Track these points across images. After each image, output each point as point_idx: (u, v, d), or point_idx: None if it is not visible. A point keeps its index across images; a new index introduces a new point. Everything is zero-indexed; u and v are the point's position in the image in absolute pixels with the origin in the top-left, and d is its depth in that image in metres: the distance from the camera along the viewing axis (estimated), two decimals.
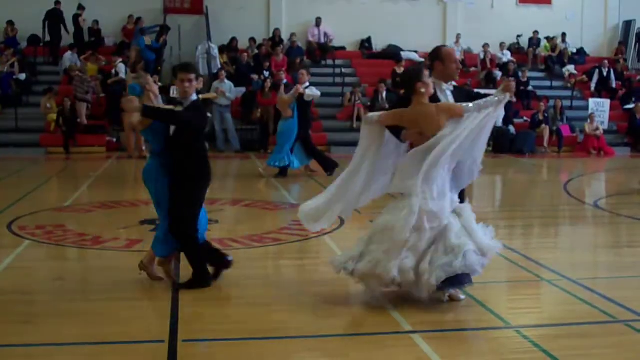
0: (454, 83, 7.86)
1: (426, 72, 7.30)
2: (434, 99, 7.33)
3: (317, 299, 7.54)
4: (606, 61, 29.40)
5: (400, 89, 6.52)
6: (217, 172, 19.60)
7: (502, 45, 29.64)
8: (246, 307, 7.18)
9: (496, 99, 7.37)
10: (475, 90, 9.23)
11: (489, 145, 24.52)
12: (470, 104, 7.21)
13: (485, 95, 7.54)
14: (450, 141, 7.06)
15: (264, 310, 7.09)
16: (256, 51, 27.30)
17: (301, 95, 16.70)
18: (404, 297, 7.35)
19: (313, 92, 17.06)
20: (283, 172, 16.97)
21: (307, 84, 17.07)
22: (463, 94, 7.80)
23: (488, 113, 7.32)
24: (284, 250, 10.01)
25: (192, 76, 7.64)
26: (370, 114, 7.67)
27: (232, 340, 6.26)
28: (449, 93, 7.65)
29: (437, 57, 7.79)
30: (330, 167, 17.05)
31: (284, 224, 11.59)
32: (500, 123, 25.54)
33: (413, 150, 7.18)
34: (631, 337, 6.41)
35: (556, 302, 7.66)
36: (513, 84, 7.57)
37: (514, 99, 6.41)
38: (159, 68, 25.88)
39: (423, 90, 7.14)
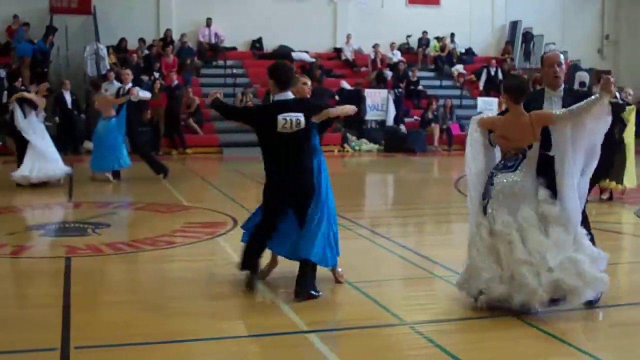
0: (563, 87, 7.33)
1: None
2: (539, 107, 7.12)
3: (213, 301, 7.46)
4: (494, 61, 30.02)
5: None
6: None
7: (392, 45, 29.93)
8: (141, 311, 7.04)
9: (592, 99, 6.80)
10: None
11: (380, 144, 24.80)
12: (564, 110, 6.87)
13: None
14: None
15: (159, 314, 6.97)
16: (146, 52, 26.92)
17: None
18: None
19: (144, 94, 17.04)
20: (116, 175, 16.76)
21: (130, 84, 17.01)
22: (572, 97, 7.14)
23: (592, 113, 6.81)
24: (177, 253, 9.87)
25: None
26: (479, 116, 7.69)
27: (127, 346, 6.12)
28: (556, 100, 7.20)
29: (541, 63, 7.53)
30: (161, 170, 16.84)
31: (177, 226, 11.43)
32: (391, 122, 25.84)
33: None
34: (522, 330, 6.51)
35: (449, 297, 7.72)
36: (610, 80, 6.87)
37: (615, 98, 6.16)
38: (46, 70, 25.26)
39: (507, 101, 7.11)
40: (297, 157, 7.47)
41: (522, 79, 7.55)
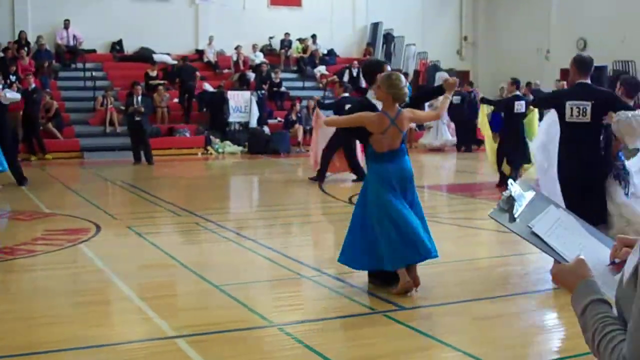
0: None
1: None
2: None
3: (78, 309, 7.29)
4: (356, 62, 30.35)
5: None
6: None
7: (254, 46, 29.94)
8: (4, 322, 6.80)
9: None
10: None
11: (244, 146, 24.78)
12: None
13: None
14: None
15: (23, 324, 6.75)
16: (1, 54, 26.10)
17: None
18: (168, 303, 7.25)
19: (13, 96, 16.65)
20: None
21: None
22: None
23: None
24: (39, 261, 9.59)
25: None
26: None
27: None
28: None
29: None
30: (23, 181, 16.42)
31: (37, 233, 11.12)
32: (255, 124, 25.84)
33: None
34: (390, 327, 6.60)
35: (317, 297, 7.78)
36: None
37: None
38: None
39: None
40: None
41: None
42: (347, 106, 15.77)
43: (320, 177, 16.85)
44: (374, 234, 7.51)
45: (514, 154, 15.58)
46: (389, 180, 7.56)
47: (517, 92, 16.33)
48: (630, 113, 7.85)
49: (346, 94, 17.00)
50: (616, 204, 8.14)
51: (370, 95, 7.91)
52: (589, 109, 8.06)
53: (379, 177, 7.62)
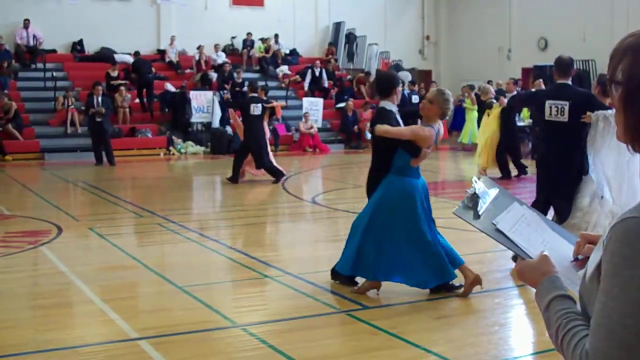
0: None
1: None
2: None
3: (38, 312, 7.24)
4: (318, 61, 30.38)
5: None
6: None
7: (216, 46, 29.82)
8: None
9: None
10: None
11: (206, 147, 24.71)
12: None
13: None
14: None
15: None
16: None
17: None
18: (131, 305, 7.21)
19: None
20: None
21: None
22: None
23: None
24: None
25: None
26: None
27: None
28: None
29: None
30: None
31: None
32: (217, 124, 25.77)
33: None
34: (353, 326, 6.62)
35: (280, 297, 7.78)
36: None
37: None
38: None
39: None
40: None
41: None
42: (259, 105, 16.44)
43: (233, 178, 17.08)
44: (409, 248, 7.45)
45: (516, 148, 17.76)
46: (419, 194, 7.56)
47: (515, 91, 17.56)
48: (608, 112, 8.10)
49: (254, 94, 17.03)
50: (581, 206, 8.40)
51: (385, 104, 7.83)
52: (566, 108, 8.35)
53: (406, 191, 7.50)
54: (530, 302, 6.97)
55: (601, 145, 8.35)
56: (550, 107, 8.47)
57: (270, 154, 17.25)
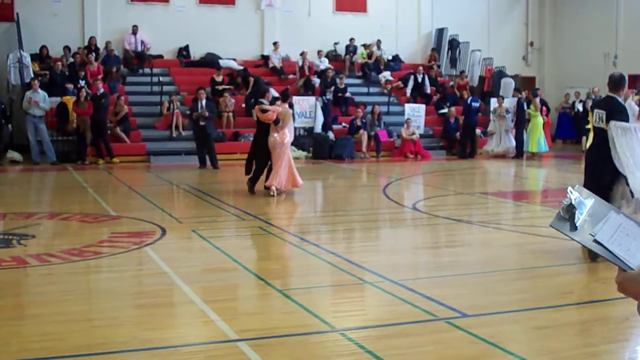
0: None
1: None
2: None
3: (141, 311, 7.39)
4: (420, 67, 30.26)
5: None
6: (33, 184, 19.00)
7: (319, 52, 29.98)
8: (67, 323, 6.92)
9: None
10: None
11: (308, 151, 24.83)
12: None
13: None
14: None
15: (86, 325, 6.86)
16: (71, 60, 26.54)
17: None
18: (231, 307, 7.31)
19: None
20: None
21: None
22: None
23: None
24: (105, 263, 9.75)
25: None
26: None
27: (54, 359, 6.01)
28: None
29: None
30: None
31: (104, 236, 11.29)
32: (319, 129, 25.88)
33: None
34: (452, 334, 6.57)
35: (379, 303, 7.77)
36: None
37: None
38: None
39: None
40: None
41: None
42: None
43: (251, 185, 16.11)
44: None
45: None
46: None
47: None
48: (625, 125, 9.53)
49: (262, 100, 16.40)
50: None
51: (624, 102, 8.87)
52: (604, 116, 9.66)
53: None
54: (634, 315, 6.81)
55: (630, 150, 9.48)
56: (595, 115, 9.82)
57: (280, 172, 15.67)
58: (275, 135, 15.46)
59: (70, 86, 24.64)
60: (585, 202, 2.57)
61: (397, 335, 6.62)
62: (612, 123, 9.50)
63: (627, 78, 10.10)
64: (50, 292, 7.92)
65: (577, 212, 2.53)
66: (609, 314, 7.50)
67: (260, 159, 15.87)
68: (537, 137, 25.54)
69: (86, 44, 27.49)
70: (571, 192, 2.58)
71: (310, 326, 6.81)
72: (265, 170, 16.00)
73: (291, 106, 16.22)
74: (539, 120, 25.52)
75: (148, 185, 18.95)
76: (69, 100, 23.39)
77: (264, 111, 15.58)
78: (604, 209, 2.57)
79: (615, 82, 9.79)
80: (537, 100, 25.62)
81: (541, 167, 23.98)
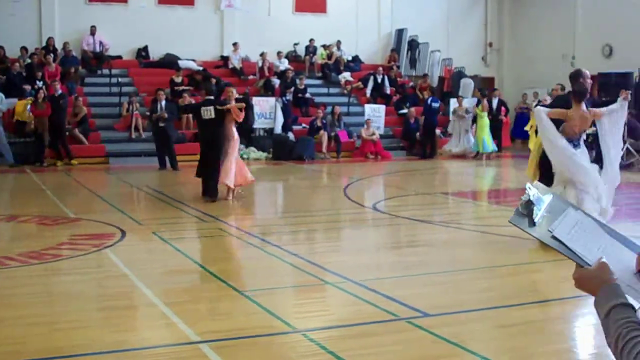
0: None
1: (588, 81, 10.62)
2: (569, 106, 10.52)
3: (102, 314, 7.33)
4: (380, 68, 30.37)
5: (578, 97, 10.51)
6: None
7: (279, 53, 29.98)
8: (27, 326, 6.84)
9: (618, 104, 10.67)
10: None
11: (269, 152, 24.82)
12: (604, 109, 10.64)
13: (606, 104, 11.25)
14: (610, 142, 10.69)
15: (47, 329, 6.78)
16: (28, 60, 26.28)
17: None
18: (193, 309, 7.29)
19: None
20: None
21: None
22: (589, 102, 11.05)
23: (618, 114, 10.71)
24: (65, 266, 9.65)
25: None
26: (540, 108, 11.04)
27: None
28: (585, 102, 10.63)
29: (579, 75, 10.64)
30: None
31: (63, 239, 11.18)
32: (279, 130, 25.86)
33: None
34: (414, 334, 6.58)
35: (341, 304, 7.78)
36: (628, 95, 10.94)
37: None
38: None
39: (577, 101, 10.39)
40: None
41: (585, 86, 10.52)
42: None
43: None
44: None
45: None
46: None
47: None
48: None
49: (210, 97, 15.69)
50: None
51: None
52: None
53: None
54: (594, 312, 6.88)
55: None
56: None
57: (232, 168, 15.24)
58: (234, 132, 15.31)
59: (27, 87, 24.41)
60: (544, 198, 2.58)
61: (359, 335, 6.62)
62: (535, 108, 11.24)
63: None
64: (9, 295, 7.83)
65: (535, 208, 2.54)
66: (570, 312, 7.57)
67: (212, 158, 15.30)
68: (483, 137, 25.72)
69: (44, 44, 27.25)
70: (530, 189, 2.59)
71: (273, 327, 6.80)
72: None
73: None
74: (485, 120, 25.64)
75: (107, 187, 18.82)
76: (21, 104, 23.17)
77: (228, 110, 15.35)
78: (562, 205, 2.58)
79: (573, 77, 10.72)
80: (485, 100, 25.81)
81: (500, 166, 24.18)
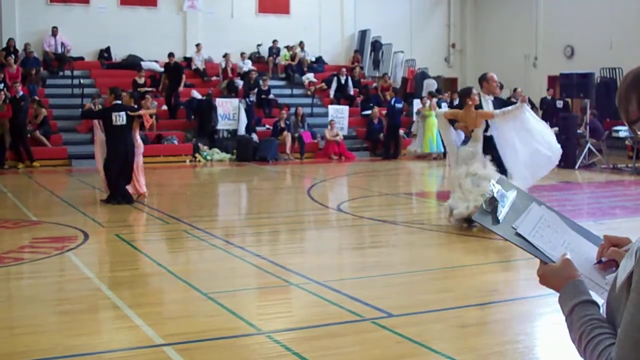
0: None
1: (474, 91, 11.86)
2: (479, 106, 11.78)
3: (64, 317, 7.28)
4: (344, 69, 30.38)
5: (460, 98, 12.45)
6: None
7: (242, 54, 29.89)
8: None
9: (515, 106, 12.10)
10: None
11: (232, 154, 24.75)
12: (498, 110, 11.78)
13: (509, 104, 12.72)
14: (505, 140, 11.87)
15: (7, 333, 6.73)
16: None
17: None
18: (156, 311, 7.25)
19: None
20: None
21: None
22: (499, 102, 12.38)
23: (515, 115, 11.84)
24: (26, 269, 9.56)
25: None
26: (440, 110, 13.41)
27: None
28: (490, 102, 12.04)
29: (484, 79, 12.38)
30: None
31: (24, 242, 11.09)
32: (243, 131, 25.81)
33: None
34: (378, 334, 6.61)
35: (305, 305, 7.78)
36: (526, 97, 13.39)
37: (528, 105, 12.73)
38: None
39: (470, 102, 11.69)
40: None
41: (470, 89, 12.15)
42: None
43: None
44: None
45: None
46: None
47: None
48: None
49: (118, 102, 15.14)
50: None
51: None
52: None
53: None
54: (558, 312, 6.93)
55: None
56: None
57: (141, 174, 15.07)
58: (138, 138, 15.20)
59: None
60: (508, 194, 2.55)
61: (324, 336, 6.63)
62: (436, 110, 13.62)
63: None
64: None
65: (499, 205, 2.51)
66: (532, 311, 7.63)
67: (125, 164, 14.78)
68: (429, 138, 25.86)
69: (4, 45, 26.95)
70: (493, 185, 2.56)
71: (237, 329, 6.79)
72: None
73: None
74: (432, 120, 25.69)
75: (70, 190, 18.67)
76: None
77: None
78: (526, 201, 2.56)
79: (463, 95, 12.25)
80: (434, 100, 25.94)
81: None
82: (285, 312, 7.63)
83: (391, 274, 9.22)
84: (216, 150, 25.26)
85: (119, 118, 14.62)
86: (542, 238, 2.45)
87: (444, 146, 14.21)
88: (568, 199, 16.06)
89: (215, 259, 10.06)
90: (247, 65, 29.57)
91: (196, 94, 26.91)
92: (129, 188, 14.82)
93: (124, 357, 6.13)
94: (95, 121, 15.70)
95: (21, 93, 22.95)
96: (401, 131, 27.08)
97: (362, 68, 32.03)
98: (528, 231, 2.46)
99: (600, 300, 2.26)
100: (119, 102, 15.09)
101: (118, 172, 14.68)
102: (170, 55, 26.89)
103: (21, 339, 6.54)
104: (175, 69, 26.66)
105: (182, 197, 16.73)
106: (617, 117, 24.37)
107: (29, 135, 23.11)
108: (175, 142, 25.01)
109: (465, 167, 11.65)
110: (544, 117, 26.54)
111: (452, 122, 12.09)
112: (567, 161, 21.63)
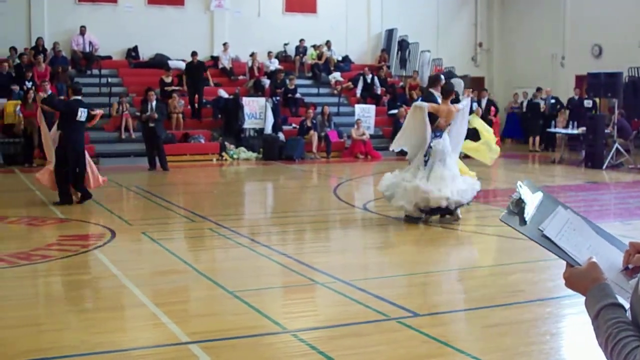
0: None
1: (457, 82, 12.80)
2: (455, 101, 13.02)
3: (91, 315, 7.32)
4: (366, 68, 30.34)
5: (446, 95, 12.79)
6: None
7: (269, 53, 29.93)
8: (14, 328, 6.82)
9: (465, 101, 13.50)
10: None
11: (258, 152, 24.79)
12: (460, 105, 12.83)
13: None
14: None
15: (34, 330, 6.78)
16: (17, 61, 26.19)
17: None
18: (182, 309, 7.27)
19: None
20: None
21: None
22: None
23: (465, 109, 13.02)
24: (53, 266, 9.62)
25: None
26: (421, 102, 12.69)
27: None
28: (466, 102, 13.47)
29: (438, 81, 13.12)
30: None
31: (51, 239, 11.16)
32: (269, 130, 25.84)
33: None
34: (403, 333, 6.60)
35: (330, 304, 7.78)
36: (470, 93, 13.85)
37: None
38: None
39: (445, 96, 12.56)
40: None
41: (452, 85, 13.22)
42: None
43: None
44: None
45: None
46: None
47: None
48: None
49: (78, 97, 15.07)
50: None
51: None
52: None
53: None
54: (583, 312, 6.89)
55: None
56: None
57: (93, 166, 15.38)
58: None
59: (15, 87, 24.33)
60: (534, 196, 2.57)
61: (349, 335, 6.63)
62: (417, 102, 13.04)
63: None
64: None
65: (526, 206, 2.53)
66: (558, 312, 7.59)
67: (82, 161, 14.93)
68: None
69: (33, 44, 27.14)
70: (520, 187, 2.57)
71: (262, 328, 6.80)
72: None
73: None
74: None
75: (97, 188, 18.75)
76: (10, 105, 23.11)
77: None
78: (552, 204, 2.57)
79: (431, 80, 13.36)
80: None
81: (490, 166, 24.16)
82: (311, 311, 7.63)
83: (417, 273, 9.20)
84: (242, 149, 25.29)
85: (83, 114, 14.75)
86: (568, 241, 2.46)
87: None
88: (595, 199, 15.97)
89: (241, 257, 10.08)
90: (274, 65, 29.59)
91: (223, 93, 26.96)
92: (91, 182, 15.00)
93: (150, 355, 6.16)
94: (40, 113, 15.41)
95: (49, 92, 23.08)
96: None
97: (388, 67, 31.98)
98: (555, 233, 2.47)
99: (627, 304, 2.26)
100: (79, 97, 15.10)
101: (73, 168, 14.69)
102: (194, 54, 26.96)
103: (48, 336, 6.58)
104: (197, 68, 26.73)
105: (209, 196, 16.78)
106: None
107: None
108: (202, 140, 25.08)
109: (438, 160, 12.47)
110: (572, 117, 26.50)
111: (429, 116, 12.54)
112: (594, 161, 21.53)
